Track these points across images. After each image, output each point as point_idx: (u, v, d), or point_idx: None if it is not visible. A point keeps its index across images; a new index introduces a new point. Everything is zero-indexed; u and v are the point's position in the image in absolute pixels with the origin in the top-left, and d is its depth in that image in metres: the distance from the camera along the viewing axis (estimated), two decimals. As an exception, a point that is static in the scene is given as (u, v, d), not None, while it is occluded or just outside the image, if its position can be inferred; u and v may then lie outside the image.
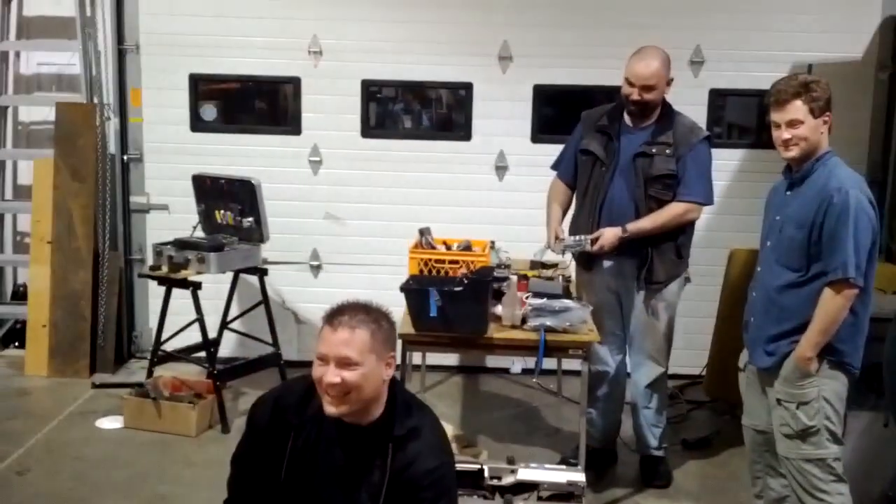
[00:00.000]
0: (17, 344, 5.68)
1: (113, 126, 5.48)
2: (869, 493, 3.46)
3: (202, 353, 4.84)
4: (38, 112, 5.78)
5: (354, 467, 2.11)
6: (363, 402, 2.08)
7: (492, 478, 3.35)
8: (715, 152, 4.02)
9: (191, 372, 5.07)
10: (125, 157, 5.54)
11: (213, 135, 5.52)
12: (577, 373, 3.73)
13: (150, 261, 5.04)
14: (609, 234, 3.84)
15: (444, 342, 3.61)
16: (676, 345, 4.19)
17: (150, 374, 4.88)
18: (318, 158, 5.50)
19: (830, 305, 2.95)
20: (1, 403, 4.90)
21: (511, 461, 3.44)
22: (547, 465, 3.47)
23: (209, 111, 5.57)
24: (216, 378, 4.70)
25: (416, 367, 5.14)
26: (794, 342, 3.04)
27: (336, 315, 2.11)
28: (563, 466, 3.51)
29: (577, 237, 3.92)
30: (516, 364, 5.65)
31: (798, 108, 2.98)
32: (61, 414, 4.77)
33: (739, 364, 3.40)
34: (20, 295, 5.72)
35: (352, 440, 2.11)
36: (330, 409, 2.06)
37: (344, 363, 2.05)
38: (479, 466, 3.37)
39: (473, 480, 3.32)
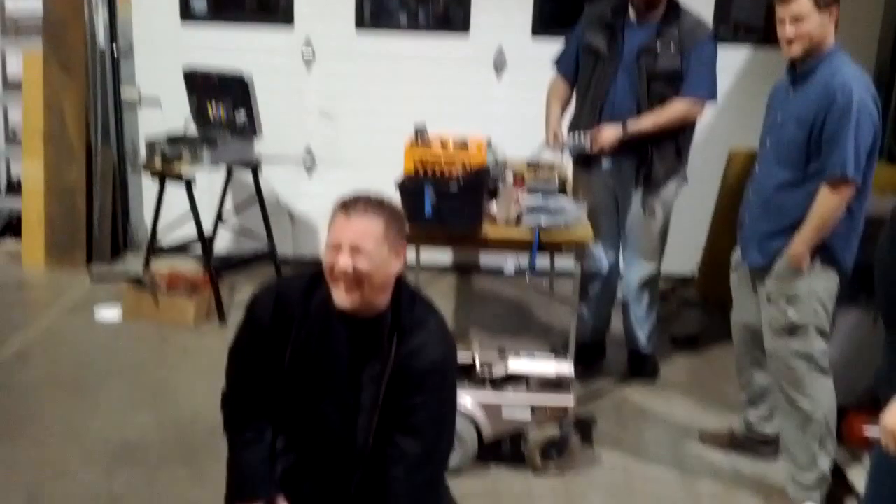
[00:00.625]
0: (11, 235, 5.70)
1: (102, 18, 5.36)
2: (854, 389, 3.54)
3: (198, 247, 4.87)
4: (26, 3, 5.65)
5: (358, 358, 2.13)
6: (373, 293, 2.07)
7: (482, 368, 3.42)
8: (719, 51, 3.95)
9: (186, 266, 5.11)
10: (115, 50, 5.45)
11: (204, 27, 5.41)
12: (569, 273, 3.77)
13: (142, 156, 5.01)
14: (608, 133, 3.82)
15: (439, 239, 3.63)
16: (670, 245, 4.22)
17: (146, 267, 4.93)
18: (311, 53, 5.41)
19: (826, 203, 2.96)
20: (0, 293, 4.96)
21: (502, 352, 3.51)
22: (537, 355, 3.53)
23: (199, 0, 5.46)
24: (213, 271, 4.75)
25: (410, 266, 5.18)
26: (789, 240, 3.06)
27: (351, 204, 2.09)
28: (553, 356, 3.57)
29: (577, 136, 3.91)
30: (509, 264, 5.70)
31: (803, 3, 2.93)
32: (60, 304, 4.82)
33: (732, 262, 3.44)
34: (15, 188, 5.70)
35: (356, 331, 2.12)
36: (340, 298, 2.06)
37: (358, 251, 2.04)
38: (470, 357, 3.44)
39: (465, 371, 3.39)
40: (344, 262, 2.03)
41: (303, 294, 2.14)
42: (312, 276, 2.16)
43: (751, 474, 3.50)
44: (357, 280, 2.04)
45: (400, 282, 2.16)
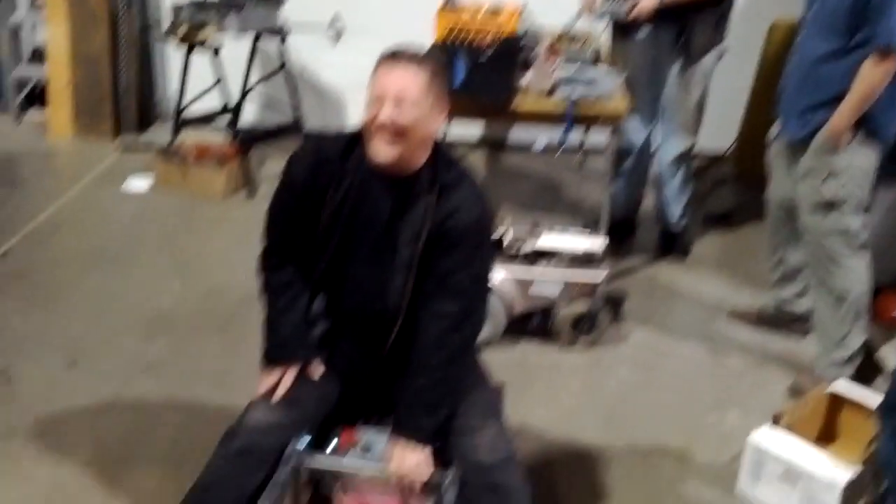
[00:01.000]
0: (37, 105, 5.66)
1: None
2: (889, 267, 3.50)
3: (226, 118, 4.82)
4: None
5: (395, 217, 2.10)
6: (413, 148, 2.03)
7: (514, 243, 3.40)
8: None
9: (214, 138, 5.06)
10: None
11: None
12: (601, 149, 3.69)
13: (167, 23, 4.89)
14: (647, 1, 3.67)
15: (469, 111, 3.55)
16: (704, 121, 4.12)
17: (173, 138, 4.89)
18: None
19: (870, 75, 2.85)
20: (29, 164, 4.95)
21: (533, 227, 3.48)
22: (568, 231, 3.50)
23: None
24: (240, 142, 4.71)
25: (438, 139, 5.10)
26: (829, 113, 2.97)
27: (395, 55, 2.02)
28: (585, 231, 3.54)
29: (614, 3, 3.76)
30: (540, 140, 5.60)
31: None
32: (89, 175, 4.82)
33: (770, 136, 3.35)
34: (39, 56, 5.62)
35: (394, 189, 2.09)
36: (380, 152, 2.01)
37: (400, 103, 1.98)
38: (501, 232, 3.42)
39: (495, 246, 3.36)
40: (386, 113, 1.97)
41: (341, 152, 2.10)
42: (352, 134, 2.12)
43: (780, 351, 3.50)
44: (398, 133, 1.98)
45: (438, 142, 2.11)
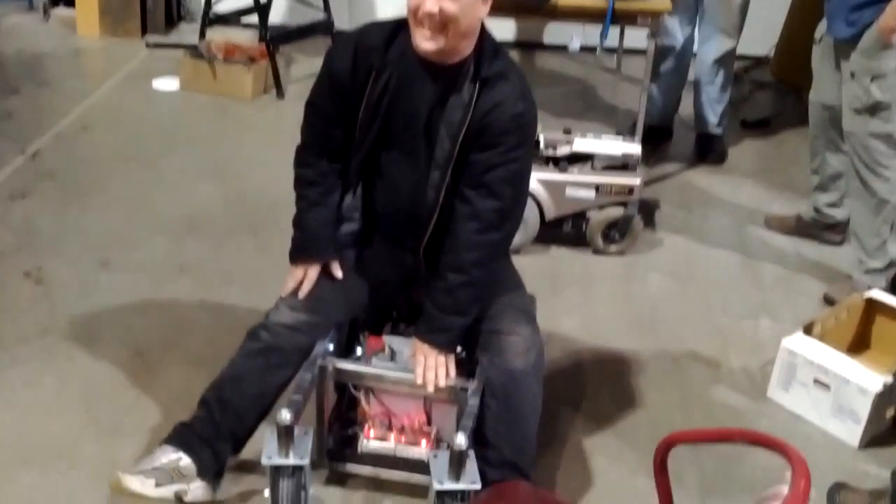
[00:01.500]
0: (64, 3, 5.59)
1: None
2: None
3: (253, 18, 4.72)
4: None
5: (436, 108, 2.04)
6: (457, 38, 1.95)
7: (547, 147, 3.34)
8: None
9: (242, 38, 4.98)
10: None
11: None
12: (638, 50, 3.58)
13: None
14: None
15: (503, 8, 3.42)
16: (747, 23, 3.98)
17: (202, 36, 4.82)
18: None
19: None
20: (57, 62, 4.92)
21: (567, 131, 3.40)
22: (603, 136, 3.43)
23: None
24: (269, 42, 4.62)
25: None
26: (878, 12, 2.85)
27: None
28: (620, 137, 3.47)
29: None
30: (575, 41, 5.47)
31: None
32: (117, 74, 4.78)
33: (816, 35, 3.23)
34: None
35: (436, 80, 2.02)
36: (424, 43, 1.94)
37: None
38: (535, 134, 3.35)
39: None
40: (431, 3, 1.90)
41: (384, 42, 2.03)
42: (396, 23, 2.05)
43: (815, 259, 3.45)
44: (443, 23, 1.91)
45: (483, 31, 2.03)
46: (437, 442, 2.21)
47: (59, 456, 2.32)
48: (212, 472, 2.13)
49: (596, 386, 2.72)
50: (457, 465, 1.91)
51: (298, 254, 2.22)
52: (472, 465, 1.93)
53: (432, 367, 2.09)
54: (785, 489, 1.21)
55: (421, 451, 2.20)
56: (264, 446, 1.97)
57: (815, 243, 3.53)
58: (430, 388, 2.10)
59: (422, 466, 2.15)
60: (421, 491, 2.16)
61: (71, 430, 2.41)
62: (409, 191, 2.12)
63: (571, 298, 3.15)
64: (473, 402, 2.07)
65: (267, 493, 2.00)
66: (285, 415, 1.94)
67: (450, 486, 1.92)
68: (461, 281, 2.08)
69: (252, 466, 2.25)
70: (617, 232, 3.36)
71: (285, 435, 1.96)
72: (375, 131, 2.07)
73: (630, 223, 3.35)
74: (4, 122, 4.10)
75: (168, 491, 2.05)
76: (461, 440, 1.89)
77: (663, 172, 4.05)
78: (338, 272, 2.22)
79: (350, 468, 2.26)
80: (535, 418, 2.14)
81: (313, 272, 2.19)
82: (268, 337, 2.13)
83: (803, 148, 3.52)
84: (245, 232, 3.41)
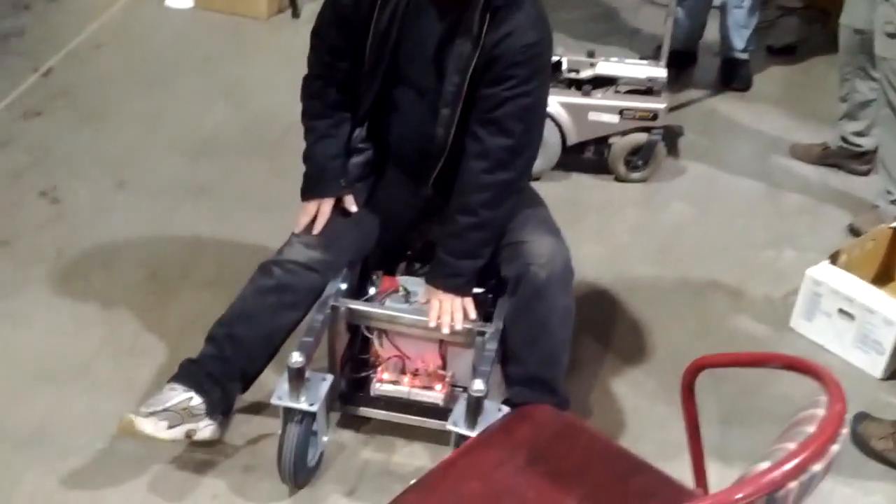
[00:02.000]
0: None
1: None
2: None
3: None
4: None
5: (445, 40, 1.96)
6: None
7: (570, 70, 3.25)
8: None
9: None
10: None
11: None
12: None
13: None
14: None
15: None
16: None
17: (215, -47, 4.68)
18: None
19: None
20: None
21: (591, 55, 3.32)
22: (627, 60, 3.34)
23: None
24: (284, -41, 4.50)
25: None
26: None
27: None
28: (644, 61, 3.38)
29: None
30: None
31: None
32: (129, -8, 4.67)
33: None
34: None
35: (445, 10, 1.94)
36: None
37: None
38: (557, 58, 3.26)
39: (553, 70, 3.22)
40: None
41: None
42: None
43: (841, 189, 3.38)
44: None
45: None
46: (453, 386, 2.17)
47: (78, 375, 2.33)
48: (220, 410, 2.08)
49: (616, 313, 2.70)
50: (473, 410, 1.87)
51: (310, 189, 2.17)
52: (490, 412, 1.89)
53: (448, 311, 2.05)
54: (819, 412, 1.18)
55: (435, 394, 2.15)
56: (276, 387, 1.94)
57: (840, 173, 3.46)
58: (446, 330, 2.05)
59: (436, 411, 2.13)
60: (434, 435, 2.15)
61: (88, 350, 2.42)
62: (419, 127, 2.05)
63: (592, 226, 3.11)
64: (491, 346, 2.02)
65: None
66: (297, 357, 1.90)
67: (464, 431, 1.89)
68: (471, 223, 2.02)
69: (260, 408, 2.24)
70: (640, 158, 3.30)
71: (296, 378, 1.92)
72: (384, 65, 1.99)
73: (654, 149, 3.29)
74: (16, 39, 4.02)
75: (179, 432, 2.00)
76: (479, 386, 1.86)
77: (687, 98, 3.95)
78: (352, 206, 2.17)
79: (363, 411, 2.22)
80: (565, 331, 2.08)
81: (327, 207, 2.14)
82: (280, 274, 2.07)
83: (830, 75, 3.42)
84: (260, 154, 3.36)
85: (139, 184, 3.14)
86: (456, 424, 1.91)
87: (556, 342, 2.08)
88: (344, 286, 2.14)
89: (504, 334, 2.05)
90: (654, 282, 2.82)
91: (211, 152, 3.36)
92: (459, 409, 1.92)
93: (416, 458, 2.19)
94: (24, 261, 2.72)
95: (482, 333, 2.05)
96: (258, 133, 3.50)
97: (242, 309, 2.09)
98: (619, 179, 3.33)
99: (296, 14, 4.55)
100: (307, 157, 2.17)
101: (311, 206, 2.14)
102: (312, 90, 2.14)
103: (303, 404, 1.95)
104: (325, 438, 2.13)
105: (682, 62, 4.11)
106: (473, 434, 1.85)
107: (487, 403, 1.90)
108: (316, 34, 2.10)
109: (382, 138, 2.17)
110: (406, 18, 1.96)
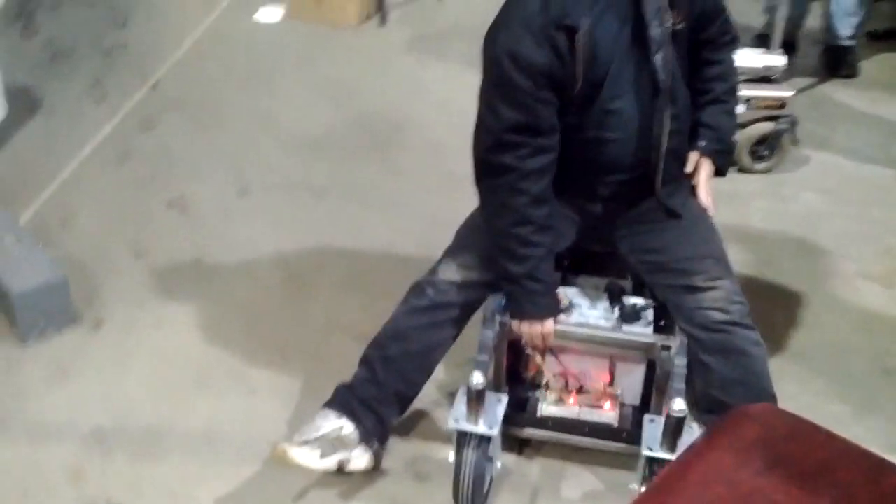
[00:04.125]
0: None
1: None
2: None
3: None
4: None
5: (638, 31, 1.78)
6: None
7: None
8: None
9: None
10: None
11: None
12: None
13: None
14: None
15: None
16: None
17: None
18: None
19: None
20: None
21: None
22: (743, 49, 3.26)
23: None
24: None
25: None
26: None
27: None
28: (759, 49, 3.30)
29: None
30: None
31: None
32: (219, 5, 4.67)
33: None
34: None
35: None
36: None
37: None
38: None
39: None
40: None
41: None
42: None
43: (972, 172, 3.28)
44: None
45: None
46: (622, 406, 2.06)
47: (235, 380, 2.30)
48: (375, 437, 2.02)
49: (768, 308, 2.60)
50: (672, 432, 1.78)
51: (548, 310, 1.94)
52: (688, 434, 1.79)
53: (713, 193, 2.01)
54: None
55: (608, 414, 2.04)
56: (453, 408, 1.87)
57: (970, 155, 3.36)
58: (713, 212, 2.02)
59: (607, 431, 2.03)
60: (605, 458, 2.07)
61: (241, 355, 2.39)
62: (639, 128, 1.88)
63: (721, 218, 3.01)
64: (680, 362, 1.90)
65: (451, 457, 1.91)
66: (478, 377, 1.81)
67: (662, 454, 1.80)
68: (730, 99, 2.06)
69: (418, 428, 2.17)
70: (766, 148, 3.21)
71: (475, 399, 1.83)
72: (592, 86, 1.80)
73: (780, 139, 3.20)
74: (120, 52, 4.03)
75: (332, 461, 1.93)
76: (679, 405, 1.75)
77: (796, 87, 3.85)
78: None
79: (528, 433, 2.10)
80: (764, 366, 1.95)
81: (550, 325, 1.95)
82: (434, 294, 1.99)
83: None
84: (371, 153, 3.35)
85: (260, 187, 3.12)
86: (651, 449, 1.82)
87: (765, 380, 1.96)
88: (504, 300, 2.00)
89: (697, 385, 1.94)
90: (801, 274, 2.73)
91: (323, 152, 3.34)
92: (653, 431, 1.83)
93: (584, 482, 2.09)
94: (164, 271, 2.71)
95: (667, 348, 1.93)
96: (366, 132, 3.49)
97: (395, 329, 2.02)
98: (742, 170, 3.24)
99: (383, 20, 4.52)
100: (531, 275, 1.89)
101: (549, 325, 1.95)
102: (529, 202, 1.86)
103: (481, 427, 1.86)
104: (498, 464, 2.02)
105: (784, 50, 4.01)
106: (673, 457, 1.76)
107: (689, 426, 1.81)
108: (513, 130, 1.83)
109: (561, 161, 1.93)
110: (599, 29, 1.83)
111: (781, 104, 3.14)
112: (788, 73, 3.95)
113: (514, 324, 1.95)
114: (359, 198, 3.07)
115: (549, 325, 1.93)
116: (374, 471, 2.04)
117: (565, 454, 2.13)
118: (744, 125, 3.17)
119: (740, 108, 3.11)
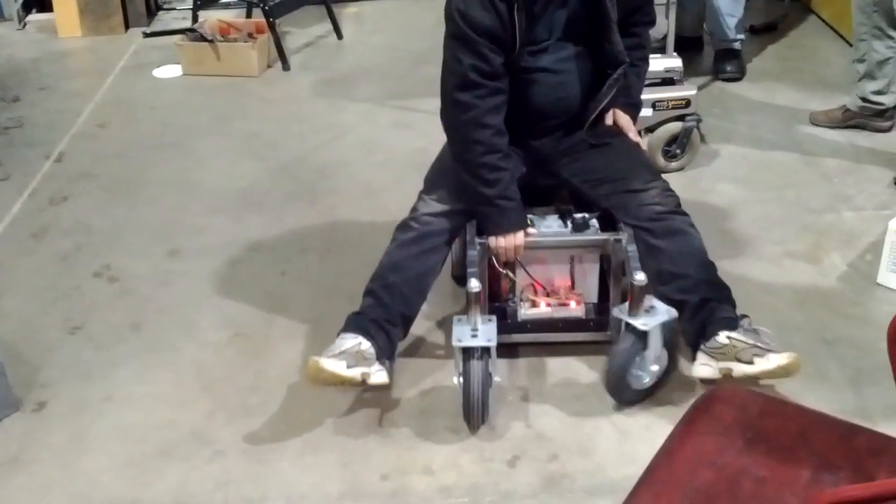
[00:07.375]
0: (36, 9, 5.38)
1: None
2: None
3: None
4: None
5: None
6: None
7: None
8: None
9: (227, 17, 4.83)
10: None
11: None
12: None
13: None
14: None
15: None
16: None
17: (195, 19, 4.68)
18: None
19: None
20: (49, 66, 4.71)
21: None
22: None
23: None
24: (269, 14, 4.49)
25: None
26: None
27: None
28: (658, 55, 3.42)
29: None
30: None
31: None
32: (115, 69, 4.61)
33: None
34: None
35: None
36: None
37: None
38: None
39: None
40: None
41: None
42: None
43: (872, 146, 3.48)
44: None
45: None
46: (585, 303, 2.41)
47: (200, 444, 2.24)
48: (386, 355, 2.24)
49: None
50: (637, 299, 2.14)
51: (517, 225, 2.30)
52: (660, 313, 2.16)
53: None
54: None
55: (576, 309, 2.38)
56: (453, 331, 2.13)
57: (864, 132, 3.54)
58: (645, 147, 2.58)
59: (577, 324, 2.40)
60: (577, 348, 2.42)
61: (201, 416, 2.33)
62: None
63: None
64: (632, 248, 2.25)
65: (456, 379, 2.18)
66: (474, 283, 2.13)
67: (627, 318, 2.16)
68: (642, 64, 2.50)
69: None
70: (678, 147, 3.33)
71: (476, 301, 2.12)
72: (531, 41, 2.23)
73: (690, 136, 3.32)
74: (17, 130, 3.93)
75: (357, 372, 2.15)
76: (640, 276, 2.14)
77: (697, 85, 4.01)
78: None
79: (514, 338, 2.41)
80: (701, 242, 2.32)
81: (521, 238, 2.31)
82: (418, 226, 2.32)
83: (818, 45, 3.49)
84: (302, 199, 3.33)
85: (192, 249, 3.06)
86: (622, 312, 2.19)
87: (708, 258, 2.34)
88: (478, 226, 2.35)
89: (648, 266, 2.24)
90: (730, 263, 2.81)
91: (253, 206, 3.30)
92: (623, 305, 2.20)
93: (569, 369, 2.40)
94: (104, 342, 2.62)
95: (619, 241, 2.30)
96: (291, 180, 3.46)
97: (390, 262, 2.32)
98: (660, 169, 3.34)
99: (286, 66, 4.53)
100: (502, 195, 2.26)
101: (520, 237, 2.29)
102: (484, 130, 2.23)
103: (482, 341, 2.11)
104: (497, 378, 2.24)
105: (689, 49, 4.15)
106: (638, 324, 2.14)
107: (657, 304, 2.17)
108: (472, 73, 2.22)
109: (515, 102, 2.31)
110: None
111: (687, 102, 3.26)
112: (692, 72, 4.14)
113: (491, 240, 2.29)
114: (296, 246, 3.04)
115: (520, 236, 2.29)
116: (388, 387, 2.28)
117: (545, 351, 2.45)
118: (653, 128, 3.30)
119: (648, 112, 3.25)
